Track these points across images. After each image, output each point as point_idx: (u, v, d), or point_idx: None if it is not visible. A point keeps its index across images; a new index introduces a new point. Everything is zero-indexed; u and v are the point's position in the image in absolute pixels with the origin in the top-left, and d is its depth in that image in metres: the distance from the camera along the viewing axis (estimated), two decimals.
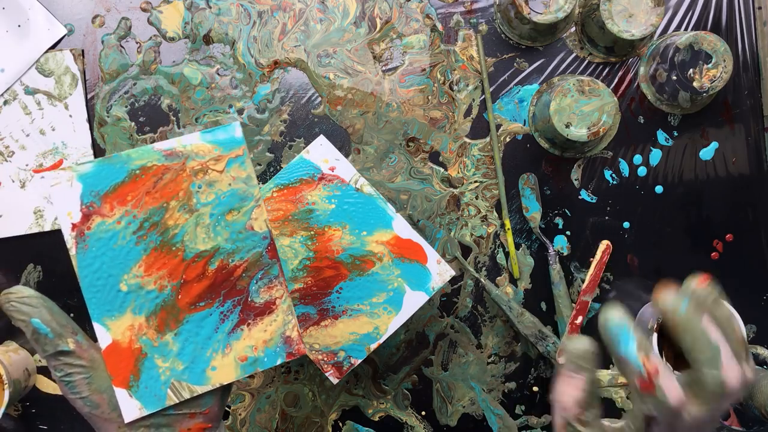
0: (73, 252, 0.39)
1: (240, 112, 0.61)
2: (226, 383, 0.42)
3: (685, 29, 0.61)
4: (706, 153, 0.62)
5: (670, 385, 0.32)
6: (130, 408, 0.40)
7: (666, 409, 0.32)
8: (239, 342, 0.41)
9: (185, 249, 0.41)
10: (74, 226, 0.39)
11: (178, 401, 0.41)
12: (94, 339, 0.40)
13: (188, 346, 0.41)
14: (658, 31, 0.61)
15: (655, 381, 0.32)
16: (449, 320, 0.62)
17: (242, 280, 0.41)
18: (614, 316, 0.33)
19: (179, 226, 0.40)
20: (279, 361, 0.42)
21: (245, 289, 0.41)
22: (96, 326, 0.39)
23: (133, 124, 0.61)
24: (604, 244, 0.61)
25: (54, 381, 0.60)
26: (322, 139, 0.53)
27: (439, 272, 0.52)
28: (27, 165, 0.61)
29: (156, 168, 0.40)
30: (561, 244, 0.62)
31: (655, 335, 0.55)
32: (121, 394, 0.40)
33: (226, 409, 0.62)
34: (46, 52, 0.61)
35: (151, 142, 0.61)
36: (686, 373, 0.33)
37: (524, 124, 0.62)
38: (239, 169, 0.41)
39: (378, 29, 0.61)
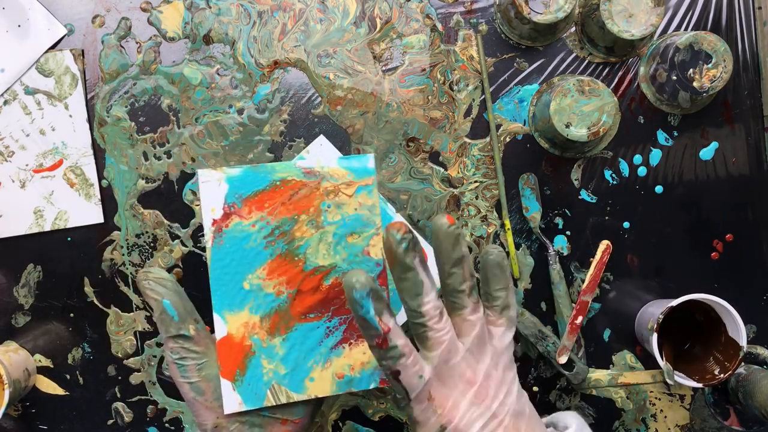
0: (209, 245, 0.42)
1: (240, 112, 0.61)
2: (320, 396, 0.43)
3: (685, 29, 0.61)
4: (706, 153, 0.62)
5: (399, 335, 0.38)
6: (232, 401, 0.42)
7: (400, 355, 0.37)
8: (339, 359, 0.44)
9: (306, 261, 0.43)
10: (215, 221, 0.42)
11: (275, 404, 0.42)
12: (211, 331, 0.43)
13: (293, 353, 0.43)
14: (658, 31, 0.61)
15: (387, 337, 0.37)
16: None
17: None
18: (359, 282, 0.36)
19: (305, 239, 0.43)
20: (372, 385, 0.44)
21: None
22: (216, 317, 0.42)
23: (133, 124, 0.61)
24: (604, 244, 0.61)
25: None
26: (322, 139, 0.53)
27: None
28: (27, 165, 0.61)
29: (295, 183, 0.43)
30: (561, 244, 0.62)
31: (654, 335, 0.55)
32: (225, 385, 0.42)
33: None
34: (46, 52, 0.61)
35: (151, 142, 0.61)
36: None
37: (524, 124, 0.62)
38: (366, 197, 0.44)
39: (378, 29, 0.61)
